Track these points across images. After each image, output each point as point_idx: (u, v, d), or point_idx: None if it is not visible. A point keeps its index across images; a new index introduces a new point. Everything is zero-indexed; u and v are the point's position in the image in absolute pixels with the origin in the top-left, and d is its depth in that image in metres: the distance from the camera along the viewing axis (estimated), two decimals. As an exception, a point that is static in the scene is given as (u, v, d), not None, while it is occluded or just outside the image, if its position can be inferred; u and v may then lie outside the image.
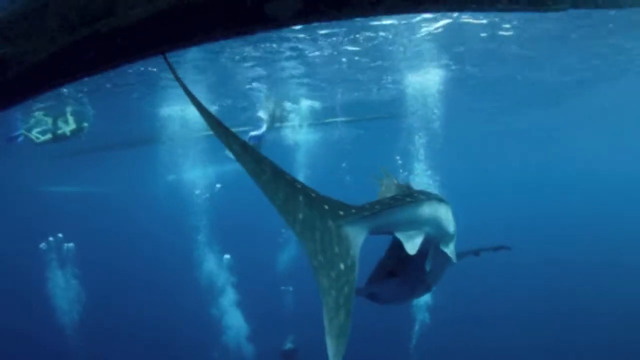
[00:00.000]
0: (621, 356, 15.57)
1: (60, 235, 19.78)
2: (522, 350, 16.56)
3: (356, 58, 12.99)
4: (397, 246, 6.81)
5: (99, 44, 1.91)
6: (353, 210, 3.17)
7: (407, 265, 7.53)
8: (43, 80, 2.10)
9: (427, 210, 4.63)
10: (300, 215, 2.85)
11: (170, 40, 2.05)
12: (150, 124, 18.22)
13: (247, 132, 14.44)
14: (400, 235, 4.46)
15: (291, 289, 19.36)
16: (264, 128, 14.96)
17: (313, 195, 2.95)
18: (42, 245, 19.51)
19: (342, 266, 2.98)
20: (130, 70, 12.14)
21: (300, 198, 2.86)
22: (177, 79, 2.32)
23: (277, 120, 15.97)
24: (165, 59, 2.35)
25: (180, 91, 2.28)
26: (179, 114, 17.10)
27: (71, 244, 19.76)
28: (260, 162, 2.72)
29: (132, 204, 34.49)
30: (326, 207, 3.01)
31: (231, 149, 2.64)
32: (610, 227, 30.09)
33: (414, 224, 4.54)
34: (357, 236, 3.17)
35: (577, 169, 45.05)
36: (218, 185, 20.75)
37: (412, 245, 4.53)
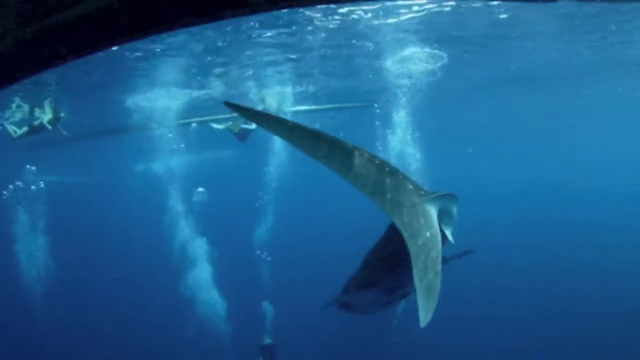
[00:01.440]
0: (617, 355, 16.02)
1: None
2: (514, 348, 16.87)
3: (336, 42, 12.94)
4: (388, 252, 7.87)
5: (63, 35, 1.85)
6: (426, 192, 4.05)
7: (396, 271, 8.01)
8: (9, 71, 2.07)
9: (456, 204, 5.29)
10: (389, 196, 3.50)
11: (141, 26, 1.98)
12: (119, 113, 18.04)
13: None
14: (443, 225, 5.10)
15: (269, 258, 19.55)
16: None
17: (399, 177, 3.57)
18: None
19: (427, 234, 3.75)
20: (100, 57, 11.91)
21: (388, 181, 3.43)
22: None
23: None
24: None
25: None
26: (147, 103, 17.00)
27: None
28: (349, 156, 3.20)
29: (105, 194, 34.02)
30: (410, 187, 3.70)
31: (318, 151, 3.09)
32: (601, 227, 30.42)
33: (451, 215, 5.20)
34: (433, 211, 4.02)
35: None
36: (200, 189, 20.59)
37: (449, 234, 5.23)
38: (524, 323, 17.87)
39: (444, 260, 8.12)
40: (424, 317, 3.36)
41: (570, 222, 30.39)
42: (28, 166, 21.94)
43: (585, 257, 23.88)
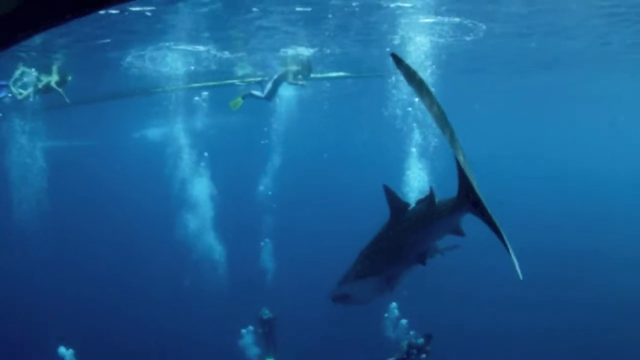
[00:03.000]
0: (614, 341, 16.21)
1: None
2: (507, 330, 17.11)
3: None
4: (387, 245, 8.84)
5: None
6: None
7: (397, 262, 8.90)
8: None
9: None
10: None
11: None
12: (125, 77, 18.00)
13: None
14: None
15: (269, 242, 19.71)
16: (268, 86, 15.10)
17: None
18: None
19: None
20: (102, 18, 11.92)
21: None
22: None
23: (287, 78, 15.81)
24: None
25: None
26: (153, 65, 16.94)
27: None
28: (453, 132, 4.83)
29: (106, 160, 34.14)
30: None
31: (445, 127, 4.72)
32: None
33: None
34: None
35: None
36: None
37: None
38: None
39: (440, 251, 9.07)
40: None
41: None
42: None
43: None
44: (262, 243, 19.85)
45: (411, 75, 4.72)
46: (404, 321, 13.60)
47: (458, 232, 7.88)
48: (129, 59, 16.84)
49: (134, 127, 32.34)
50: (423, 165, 15.05)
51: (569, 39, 17.36)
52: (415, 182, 14.37)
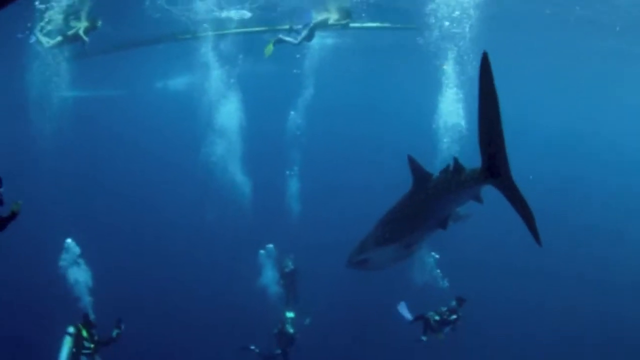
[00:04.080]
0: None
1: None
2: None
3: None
4: (408, 213, 9.76)
5: None
6: None
7: (417, 230, 9.82)
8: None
9: None
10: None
11: None
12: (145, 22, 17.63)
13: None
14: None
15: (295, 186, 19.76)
16: (303, 33, 14.70)
17: None
18: None
19: None
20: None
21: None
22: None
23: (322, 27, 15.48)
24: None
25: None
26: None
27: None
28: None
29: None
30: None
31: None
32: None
33: None
34: None
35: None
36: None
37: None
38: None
39: (461, 217, 10.30)
40: None
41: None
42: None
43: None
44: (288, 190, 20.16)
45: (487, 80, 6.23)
46: (438, 270, 13.85)
47: (478, 199, 8.68)
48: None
49: (156, 77, 32.08)
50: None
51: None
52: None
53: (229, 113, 18.96)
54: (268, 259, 15.07)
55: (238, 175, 18.84)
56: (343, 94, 30.53)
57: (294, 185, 20.69)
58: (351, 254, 11.38)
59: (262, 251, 15.15)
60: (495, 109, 6.49)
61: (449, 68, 16.53)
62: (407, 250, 10.40)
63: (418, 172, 9.46)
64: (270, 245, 15.20)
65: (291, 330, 13.09)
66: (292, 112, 22.17)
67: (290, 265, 15.82)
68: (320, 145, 25.50)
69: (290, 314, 13.42)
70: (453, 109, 15.61)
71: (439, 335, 12.19)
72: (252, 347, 13.01)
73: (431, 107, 15.93)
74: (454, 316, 12.24)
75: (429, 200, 9.19)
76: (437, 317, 12.25)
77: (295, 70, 20.35)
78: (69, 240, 11.25)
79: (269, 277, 14.92)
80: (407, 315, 12.63)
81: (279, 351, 13.12)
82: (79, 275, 10.91)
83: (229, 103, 19.01)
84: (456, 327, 12.31)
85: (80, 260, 11.08)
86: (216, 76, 18.85)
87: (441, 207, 9.13)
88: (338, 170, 27.49)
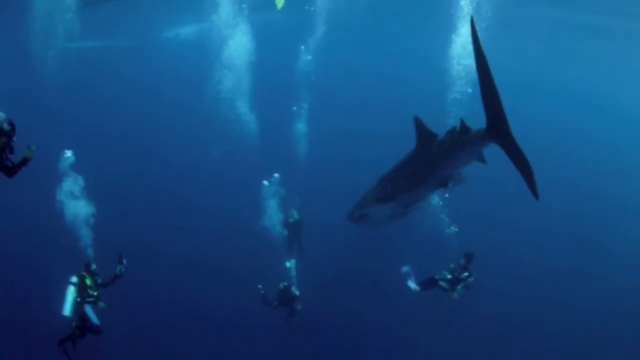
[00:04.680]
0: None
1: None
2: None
3: None
4: (409, 172, 10.03)
5: None
6: None
7: (416, 188, 10.04)
8: None
9: None
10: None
11: None
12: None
13: None
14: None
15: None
16: None
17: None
18: None
19: None
20: None
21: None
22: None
23: None
24: None
25: None
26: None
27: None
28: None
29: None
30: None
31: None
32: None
33: None
34: None
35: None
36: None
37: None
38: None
39: (463, 178, 9.99)
40: None
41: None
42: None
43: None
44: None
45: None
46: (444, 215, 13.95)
47: (481, 159, 8.92)
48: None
49: (167, 26, 31.63)
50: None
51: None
52: None
53: (237, 49, 18.77)
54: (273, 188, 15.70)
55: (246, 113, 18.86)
56: (354, 32, 29.59)
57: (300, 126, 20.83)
58: (352, 208, 11.50)
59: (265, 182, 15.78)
60: (487, 74, 7.31)
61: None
62: (405, 209, 10.58)
63: (423, 131, 9.69)
64: (276, 175, 15.82)
65: (297, 293, 13.37)
66: (302, 47, 21.66)
67: (295, 215, 15.99)
68: (330, 83, 25.15)
69: (289, 263, 13.69)
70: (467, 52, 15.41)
71: (453, 294, 12.40)
72: (260, 287, 13.27)
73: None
74: (466, 273, 12.40)
75: (434, 158, 9.43)
76: (449, 276, 12.47)
77: (307, 7, 19.85)
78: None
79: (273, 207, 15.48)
80: (413, 285, 12.89)
81: (275, 303, 13.41)
82: (81, 209, 11.10)
83: (238, 38, 18.78)
84: (469, 285, 12.45)
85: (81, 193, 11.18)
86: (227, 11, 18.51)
87: (445, 165, 9.37)
88: (347, 113, 26.93)
